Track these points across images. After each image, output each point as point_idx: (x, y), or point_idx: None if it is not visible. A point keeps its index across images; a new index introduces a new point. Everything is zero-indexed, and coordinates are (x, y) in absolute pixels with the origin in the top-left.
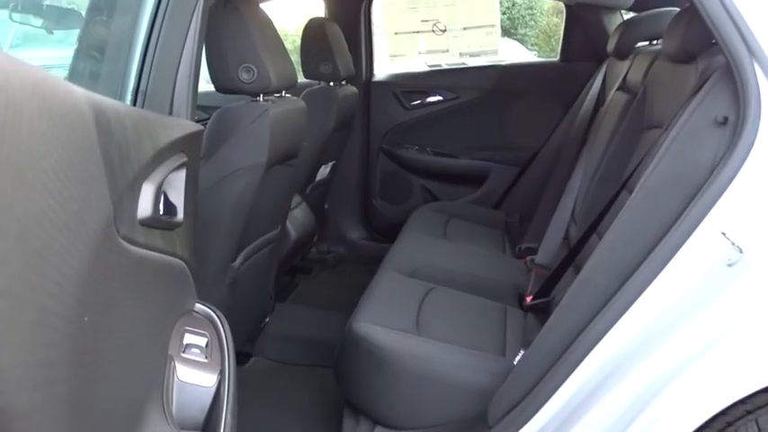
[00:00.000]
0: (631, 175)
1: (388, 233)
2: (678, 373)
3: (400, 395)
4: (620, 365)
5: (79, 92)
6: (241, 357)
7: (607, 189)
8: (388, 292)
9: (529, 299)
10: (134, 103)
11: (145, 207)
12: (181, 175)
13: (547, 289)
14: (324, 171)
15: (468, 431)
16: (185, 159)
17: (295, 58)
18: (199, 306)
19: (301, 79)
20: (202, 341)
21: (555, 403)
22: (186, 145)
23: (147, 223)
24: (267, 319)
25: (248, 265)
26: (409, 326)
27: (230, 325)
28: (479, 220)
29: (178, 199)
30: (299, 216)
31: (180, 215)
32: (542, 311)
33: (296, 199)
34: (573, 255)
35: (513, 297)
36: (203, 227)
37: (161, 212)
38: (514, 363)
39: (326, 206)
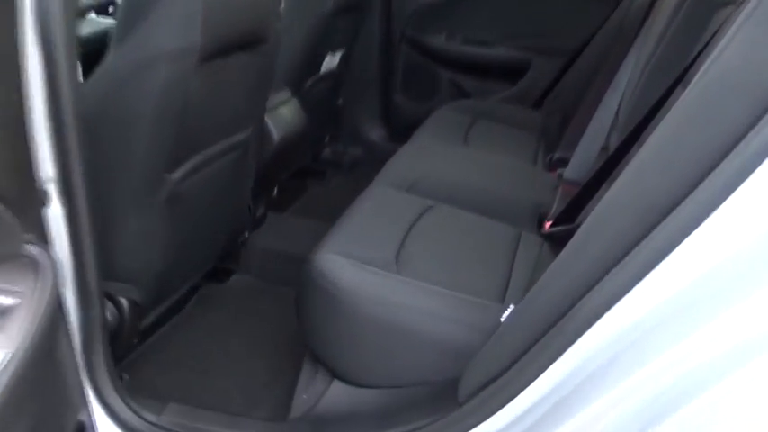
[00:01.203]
0: (691, 65)
1: (410, 133)
2: (731, 368)
3: (361, 346)
4: (636, 345)
5: None
6: (222, 274)
7: (659, 85)
8: (372, 213)
9: (548, 224)
10: None
11: None
12: None
13: (572, 212)
14: (331, 61)
15: (435, 404)
16: None
17: None
18: (31, 249)
19: None
20: (7, 302)
21: (540, 387)
22: None
23: None
24: (246, 234)
25: (200, 177)
26: (387, 258)
27: (183, 247)
28: (512, 121)
29: None
30: (285, 114)
31: None
32: (562, 242)
33: (284, 94)
34: (608, 170)
35: (532, 220)
36: (119, 130)
37: None
38: (501, 319)
39: (340, 102)
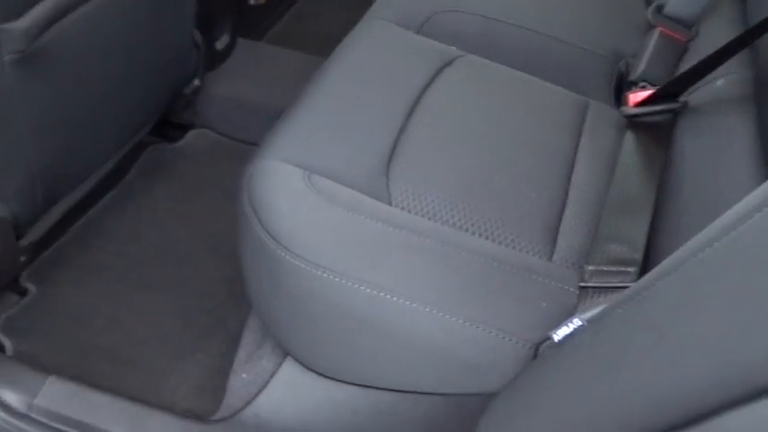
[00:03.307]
0: None
1: None
2: None
3: (321, 331)
4: None
5: None
6: (177, 131)
7: None
8: (355, 74)
9: (635, 97)
10: None
11: None
12: None
13: (678, 84)
14: None
15: None
16: None
17: None
18: None
19: None
20: None
21: None
22: None
23: None
24: (197, 82)
25: (79, 20)
26: (372, 166)
27: (76, 124)
28: None
29: None
30: None
31: None
32: (657, 132)
33: None
34: (751, 33)
35: (607, 78)
36: None
37: None
38: (555, 337)
39: None
